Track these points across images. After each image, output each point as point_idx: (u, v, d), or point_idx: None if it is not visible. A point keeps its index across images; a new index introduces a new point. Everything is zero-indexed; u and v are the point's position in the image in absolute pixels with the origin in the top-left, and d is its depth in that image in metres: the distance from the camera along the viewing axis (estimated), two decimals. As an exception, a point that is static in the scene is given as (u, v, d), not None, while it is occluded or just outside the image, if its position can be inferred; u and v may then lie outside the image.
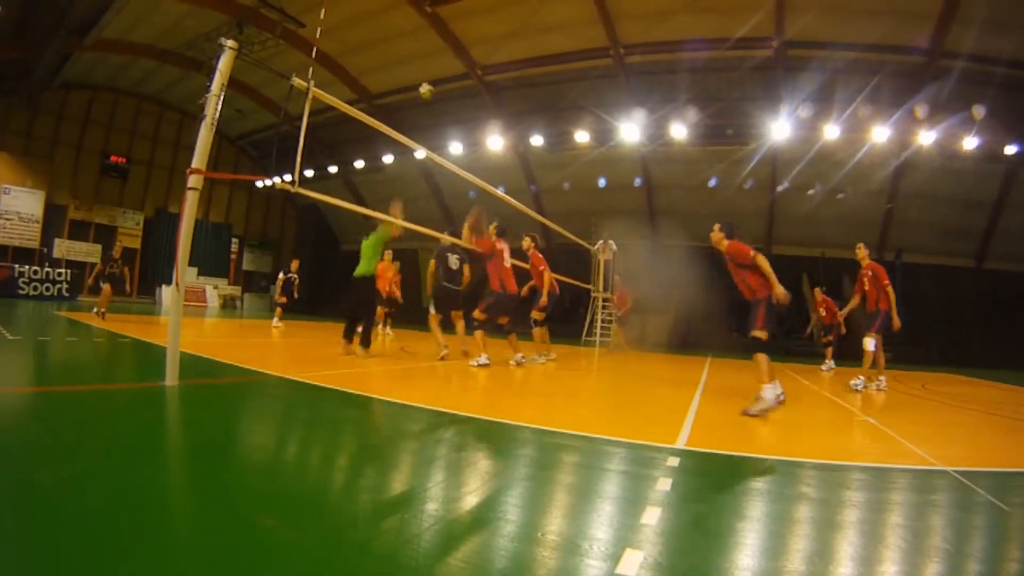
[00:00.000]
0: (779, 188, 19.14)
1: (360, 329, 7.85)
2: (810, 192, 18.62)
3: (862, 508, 2.60)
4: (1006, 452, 4.23)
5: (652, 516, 2.19)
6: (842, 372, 11.23)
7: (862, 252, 8.40)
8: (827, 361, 12.05)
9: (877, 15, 15.80)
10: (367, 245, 8.03)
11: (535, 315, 9.21)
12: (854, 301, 8.62)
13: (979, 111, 16.87)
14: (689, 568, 1.82)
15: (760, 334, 4.98)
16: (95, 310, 11.11)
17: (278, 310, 14.24)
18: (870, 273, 8.15)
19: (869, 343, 7.87)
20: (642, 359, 12.11)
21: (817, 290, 12.65)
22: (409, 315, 15.98)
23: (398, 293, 12.95)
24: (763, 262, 5.05)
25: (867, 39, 16.54)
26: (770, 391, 4.74)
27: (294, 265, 14.47)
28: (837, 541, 2.19)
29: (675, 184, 19.43)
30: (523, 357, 8.34)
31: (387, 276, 12.18)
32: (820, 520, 2.39)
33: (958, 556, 2.09)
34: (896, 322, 8.04)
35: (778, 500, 2.66)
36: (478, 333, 7.85)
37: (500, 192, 8.98)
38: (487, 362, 7.43)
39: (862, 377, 7.86)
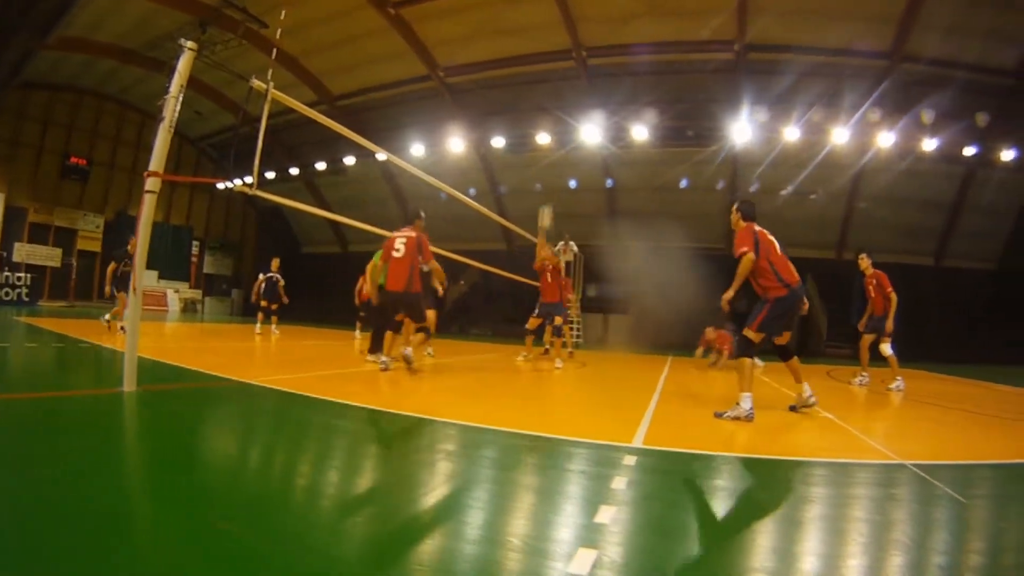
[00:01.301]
0: (748, 188, 19.35)
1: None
2: (754, 188, 18.80)
3: (818, 503, 2.60)
4: (964, 446, 4.26)
5: (607, 515, 2.17)
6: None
7: (865, 262, 8.58)
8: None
9: (838, 19, 16.05)
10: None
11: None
12: (869, 309, 8.77)
13: (928, 115, 17.20)
14: (643, 566, 1.81)
15: (752, 335, 4.82)
16: (106, 318, 9.98)
17: (260, 315, 13.04)
18: (875, 281, 8.43)
19: (887, 348, 8.15)
20: (602, 359, 12.10)
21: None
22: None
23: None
24: (744, 264, 4.80)
25: (829, 43, 16.79)
26: (747, 400, 4.58)
27: (275, 264, 13.34)
28: (793, 536, 2.17)
29: (636, 185, 19.53)
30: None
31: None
32: (776, 516, 2.39)
33: (915, 548, 2.10)
34: (890, 326, 8.26)
35: (734, 497, 2.66)
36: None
37: (458, 194, 8.81)
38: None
39: (899, 378, 7.95)
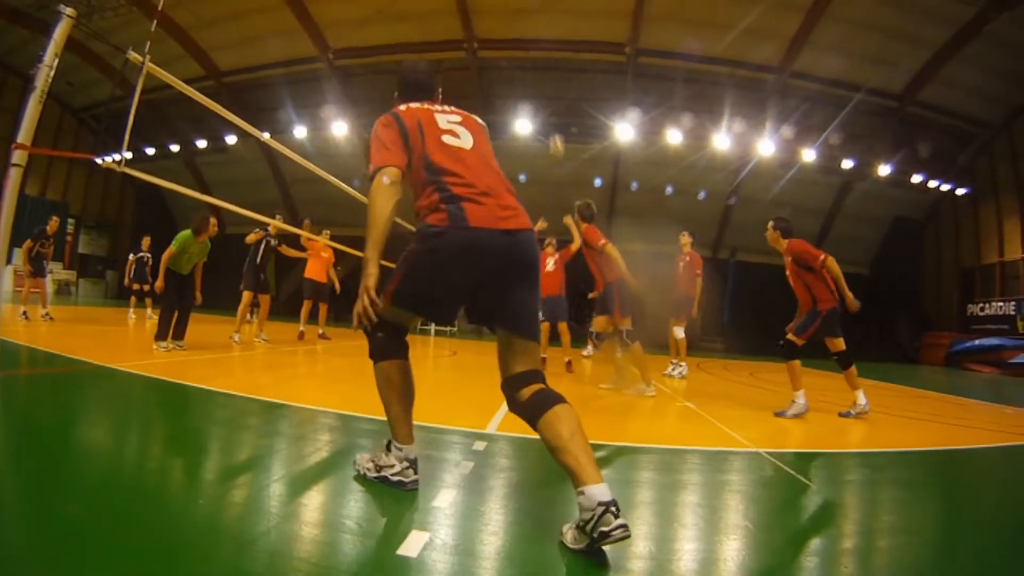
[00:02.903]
0: (628, 186, 19.84)
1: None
2: (635, 186, 19.35)
3: (667, 489, 2.66)
4: (821, 435, 4.43)
5: (445, 499, 2.18)
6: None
7: (685, 239, 8.39)
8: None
9: (731, 31, 16.61)
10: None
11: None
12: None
13: (808, 129, 17.99)
14: (474, 548, 1.79)
15: (798, 340, 5.12)
16: (23, 311, 9.08)
17: (133, 298, 12.32)
18: (687, 259, 8.19)
19: (679, 332, 8.14)
20: (474, 347, 12.19)
21: None
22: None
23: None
24: (832, 265, 5.07)
25: (720, 53, 17.34)
26: (802, 397, 4.90)
27: (145, 243, 12.58)
28: (638, 520, 2.17)
29: (513, 178, 19.70)
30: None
31: None
32: (626, 500, 2.33)
33: (763, 530, 2.17)
34: (695, 311, 8.21)
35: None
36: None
37: (336, 180, 8.48)
38: None
39: (684, 364, 8.11)
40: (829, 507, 2.62)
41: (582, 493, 1.73)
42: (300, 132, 19.34)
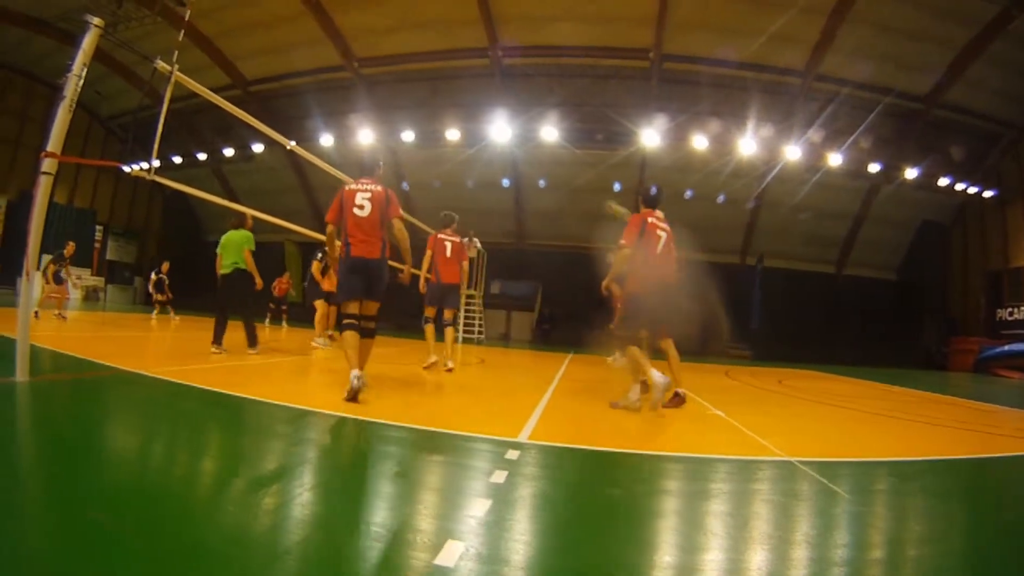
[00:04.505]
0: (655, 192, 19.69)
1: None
2: (676, 194, 19.26)
3: (697, 498, 2.60)
4: (851, 443, 4.34)
5: (480, 508, 2.15)
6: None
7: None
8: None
9: (756, 35, 16.52)
10: (239, 240, 7.29)
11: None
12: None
13: (836, 133, 17.87)
14: (510, 558, 1.78)
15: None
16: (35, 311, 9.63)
17: (157, 306, 14.99)
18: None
19: None
20: (502, 354, 12.16)
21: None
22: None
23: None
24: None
25: (744, 57, 17.26)
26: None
27: (165, 267, 15.00)
28: (672, 530, 2.16)
29: (545, 185, 19.73)
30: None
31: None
32: (653, 510, 2.36)
33: (797, 542, 2.12)
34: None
35: (615, 491, 2.61)
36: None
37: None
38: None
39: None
40: (864, 517, 2.56)
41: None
42: (326, 140, 19.43)
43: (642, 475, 2.99)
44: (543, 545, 1.96)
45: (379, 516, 2.13)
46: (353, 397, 4.25)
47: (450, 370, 6.97)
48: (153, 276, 15.18)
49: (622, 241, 4.80)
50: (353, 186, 4.72)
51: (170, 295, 15.13)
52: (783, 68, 17.99)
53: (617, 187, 19.13)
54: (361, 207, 4.60)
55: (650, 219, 4.92)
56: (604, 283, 5.06)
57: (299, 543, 1.77)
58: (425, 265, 7.28)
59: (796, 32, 16.58)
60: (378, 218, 4.61)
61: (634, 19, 16.97)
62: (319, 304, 9.83)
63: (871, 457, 3.84)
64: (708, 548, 2.02)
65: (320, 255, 9.68)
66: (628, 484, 2.80)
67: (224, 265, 7.23)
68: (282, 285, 16.40)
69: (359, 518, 2.09)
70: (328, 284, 10.39)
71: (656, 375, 4.55)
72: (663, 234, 4.97)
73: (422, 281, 7.26)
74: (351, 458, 2.99)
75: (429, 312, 7.45)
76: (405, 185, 21.15)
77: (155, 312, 14.93)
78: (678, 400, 5.17)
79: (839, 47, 16.88)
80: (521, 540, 1.96)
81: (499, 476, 2.60)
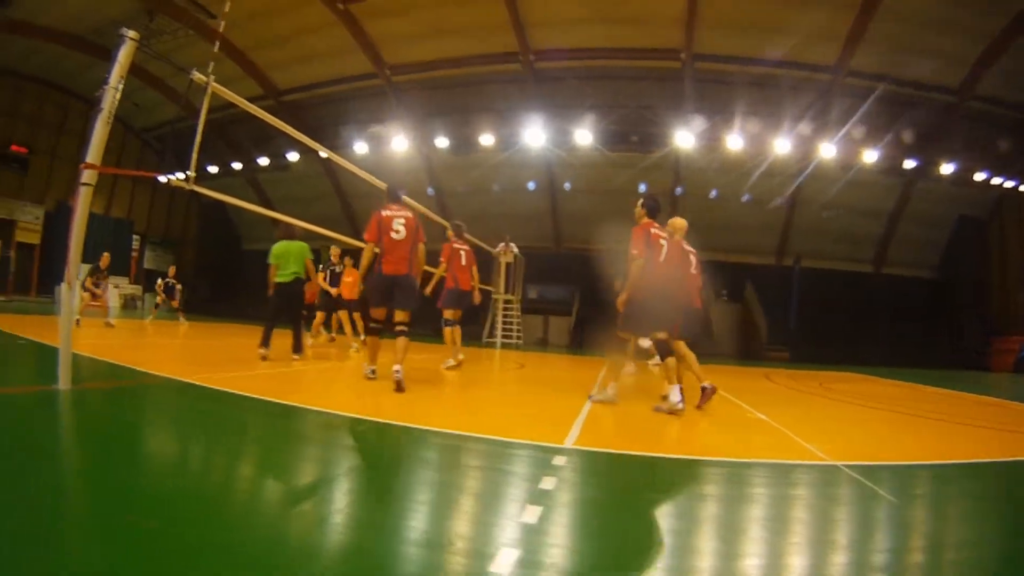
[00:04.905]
0: (692, 194, 19.65)
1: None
2: (711, 195, 19.15)
3: (746, 503, 2.59)
4: (896, 447, 4.31)
5: (532, 515, 2.14)
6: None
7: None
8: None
9: (785, 33, 16.33)
10: (299, 250, 7.47)
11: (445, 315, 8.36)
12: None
13: (870, 128, 17.63)
14: (565, 566, 1.79)
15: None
16: (109, 321, 11.61)
17: (154, 310, 15.70)
18: None
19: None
20: (541, 360, 12.14)
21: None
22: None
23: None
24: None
25: (775, 55, 17.08)
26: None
27: (171, 271, 15.39)
28: (722, 536, 2.15)
29: (581, 188, 19.67)
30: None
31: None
32: (706, 516, 2.38)
33: (846, 547, 2.11)
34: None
35: (663, 496, 2.63)
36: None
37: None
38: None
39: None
40: (914, 522, 2.56)
41: None
42: (360, 148, 19.54)
43: (690, 480, 3.00)
44: (596, 552, 1.95)
45: (430, 523, 2.13)
46: (372, 375, 5.67)
47: (458, 364, 7.73)
48: (160, 281, 15.25)
49: (633, 251, 4.99)
50: (388, 212, 5.62)
51: (180, 299, 15.24)
52: (814, 65, 17.76)
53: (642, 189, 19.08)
54: (397, 231, 5.54)
55: (652, 230, 5.14)
56: (621, 297, 5.08)
57: (350, 550, 1.80)
58: (439, 273, 7.81)
59: (826, 28, 16.37)
60: (410, 242, 5.59)
61: (663, 20, 16.87)
62: (321, 313, 10.88)
63: (916, 460, 3.81)
64: (764, 555, 2.03)
65: (321, 266, 10.00)
66: (676, 490, 2.82)
67: (286, 274, 7.34)
68: (314, 291, 16.45)
69: (410, 525, 2.08)
70: (348, 291, 11.02)
71: (611, 392, 5.06)
72: (664, 243, 5.23)
73: (430, 287, 7.74)
74: (397, 464, 3.01)
75: (452, 315, 7.91)
76: (430, 191, 21.27)
77: (176, 315, 14.99)
78: (709, 393, 5.40)
79: (870, 41, 16.62)
80: (574, 547, 1.97)
81: (548, 482, 2.60)
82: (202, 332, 12.90)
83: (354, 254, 9.52)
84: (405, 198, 6.08)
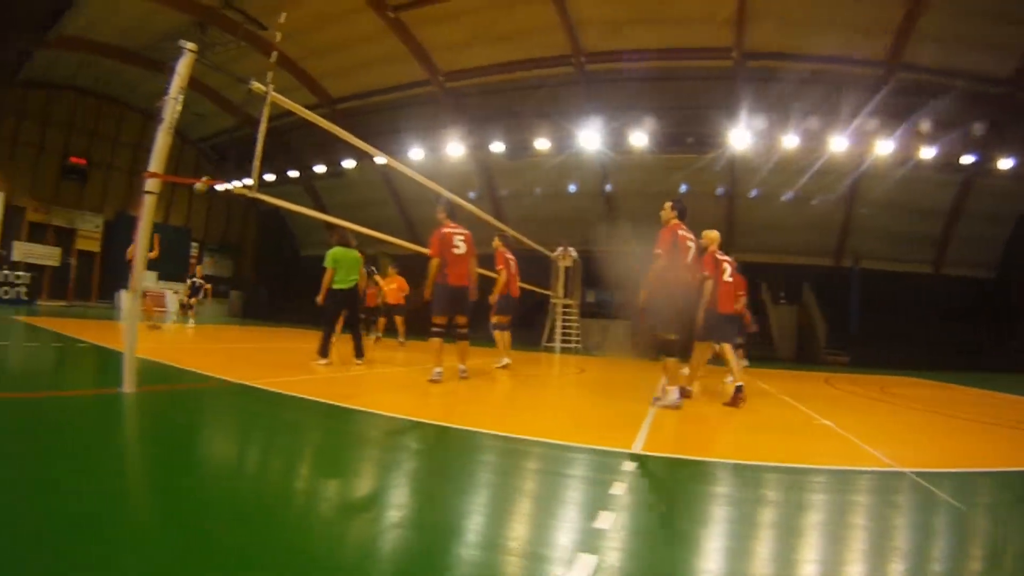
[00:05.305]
0: (746, 194, 19.41)
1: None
2: (752, 194, 18.87)
3: (815, 510, 2.60)
4: (962, 453, 4.26)
5: (606, 521, 2.15)
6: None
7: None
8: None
9: (836, 28, 16.07)
10: (354, 259, 7.71)
11: (493, 319, 8.86)
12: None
13: (925, 124, 17.25)
14: (643, 572, 1.81)
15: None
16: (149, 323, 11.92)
17: (189, 312, 15.15)
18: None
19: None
20: (602, 364, 12.11)
21: None
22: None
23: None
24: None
25: (826, 51, 16.81)
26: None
27: (199, 271, 15.28)
28: (790, 543, 2.17)
29: (635, 190, 19.54)
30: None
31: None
32: (773, 522, 2.39)
33: (915, 556, 2.09)
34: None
35: (733, 503, 2.66)
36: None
37: (458, 199, 8.82)
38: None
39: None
40: (989, 531, 2.48)
41: None
42: (416, 154, 19.73)
43: (759, 486, 2.98)
44: (674, 558, 1.95)
45: (504, 529, 2.13)
46: (438, 376, 6.04)
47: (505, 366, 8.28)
48: (187, 282, 15.12)
49: (657, 251, 5.19)
50: (448, 230, 6.36)
51: (201, 300, 15.37)
52: (866, 60, 17.38)
53: (720, 191, 18.94)
54: (457, 247, 6.32)
55: (680, 231, 5.33)
56: (642, 295, 5.27)
57: (426, 555, 1.80)
58: (502, 280, 8.28)
59: (878, 21, 16.02)
60: (469, 256, 6.44)
61: (713, 18, 16.66)
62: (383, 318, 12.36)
63: (984, 467, 3.72)
64: (845, 562, 2.01)
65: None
66: (745, 496, 2.80)
67: (347, 280, 7.58)
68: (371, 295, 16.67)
69: (483, 530, 2.08)
70: (393, 297, 12.66)
71: (675, 392, 5.12)
72: (692, 245, 5.46)
73: (495, 293, 8.32)
74: (466, 469, 3.02)
75: (504, 319, 8.64)
76: (501, 194, 21.36)
77: (188, 319, 14.86)
78: (739, 397, 5.69)
79: (922, 33, 16.18)
80: (652, 553, 1.97)
81: (619, 488, 2.61)
82: (260, 336, 13.28)
83: (412, 259, 9.78)
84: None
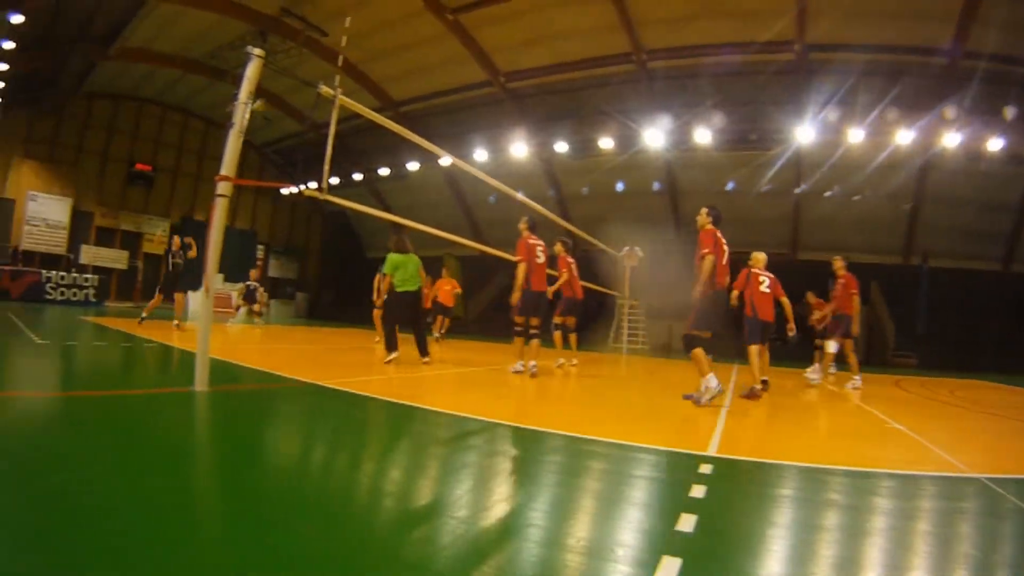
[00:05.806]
0: (799, 191, 19.12)
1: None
2: (827, 194, 18.55)
3: (893, 515, 2.62)
4: None
5: (688, 523, 2.16)
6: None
7: (839, 263, 8.89)
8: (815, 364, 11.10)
9: (897, 17, 15.78)
10: (414, 264, 8.04)
11: (556, 319, 9.26)
12: (828, 308, 9.41)
13: (1007, 112, 16.70)
14: (726, 574, 1.82)
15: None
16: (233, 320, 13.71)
17: (246, 311, 15.55)
18: (843, 283, 8.80)
19: (831, 345, 8.72)
20: (669, 366, 12.11)
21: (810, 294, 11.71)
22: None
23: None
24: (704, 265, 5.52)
25: (888, 41, 16.47)
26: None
27: (253, 274, 15.82)
28: (869, 548, 2.19)
29: (699, 189, 19.41)
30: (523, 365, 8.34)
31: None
32: (852, 527, 2.40)
33: (989, 563, 2.09)
34: (856, 329, 8.79)
35: (812, 507, 2.69)
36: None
37: (523, 197, 9.08)
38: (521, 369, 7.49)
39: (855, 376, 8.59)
40: None
41: None
42: (480, 155, 19.94)
43: (836, 491, 2.99)
44: (760, 561, 1.95)
45: (584, 531, 2.13)
46: (521, 369, 7.30)
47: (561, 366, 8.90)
48: (240, 286, 15.69)
49: (704, 250, 5.47)
50: (532, 241, 7.36)
51: (263, 304, 15.63)
52: (931, 47, 16.87)
53: (774, 188, 18.67)
54: (539, 257, 7.37)
55: (718, 234, 5.66)
56: (696, 291, 5.48)
57: (504, 557, 1.80)
58: (562, 280, 8.83)
59: (938, 8, 15.54)
60: (546, 265, 7.55)
61: (773, 10, 16.42)
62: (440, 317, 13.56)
63: None
64: (921, 569, 2.01)
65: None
66: (824, 500, 2.82)
67: (412, 283, 7.94)
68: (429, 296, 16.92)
69: (563, 532, 2.07)
70: (446, 298, 13.62)
71: (712, 379, 5.27)
72: (727, 248, 5.79)
73: (551, 291, 8.61)
74: (544, 469, 3.05)
75: (566, 321, 9.23)
76: (553, 193, 21.37)
77: (251, 318, 15.35)
78: (758, 391, 6.27)
79: (985, 19, 15.63)
80: (738, 557, 1.97)
81: (698, 490, 2.62)
82: (326, 337, 13.58)
83: (477, 260, 10.06)
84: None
